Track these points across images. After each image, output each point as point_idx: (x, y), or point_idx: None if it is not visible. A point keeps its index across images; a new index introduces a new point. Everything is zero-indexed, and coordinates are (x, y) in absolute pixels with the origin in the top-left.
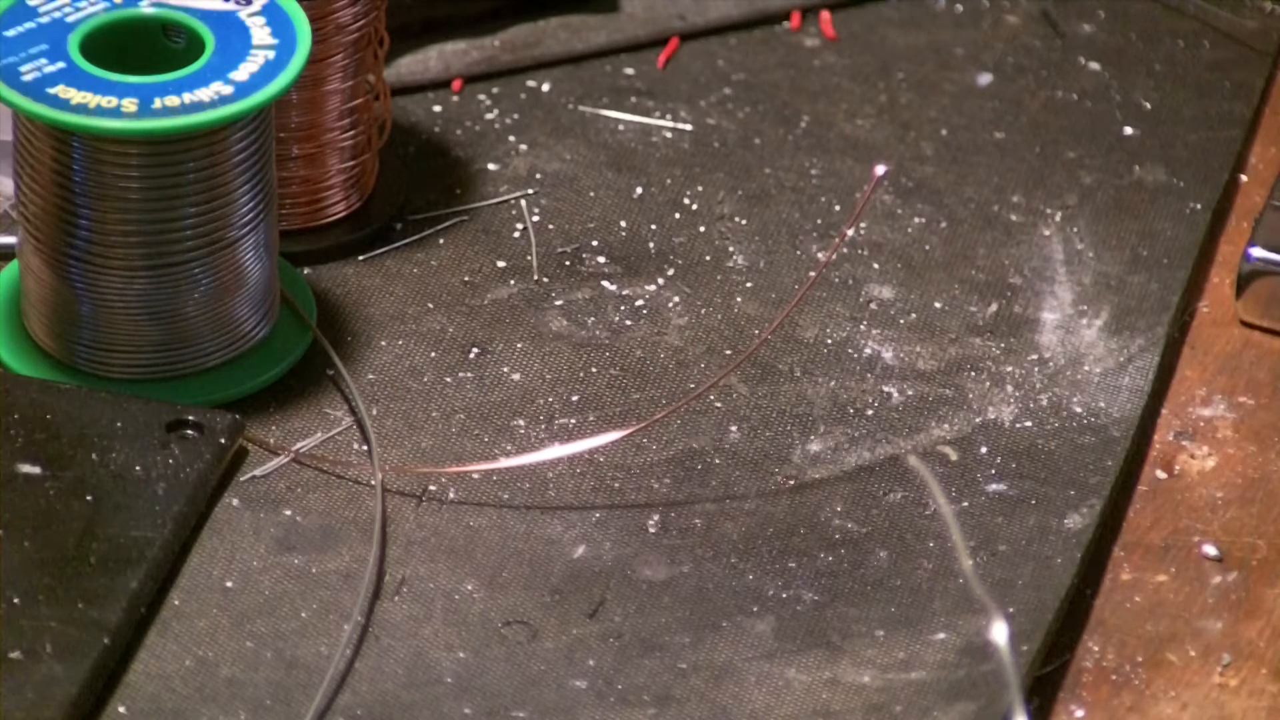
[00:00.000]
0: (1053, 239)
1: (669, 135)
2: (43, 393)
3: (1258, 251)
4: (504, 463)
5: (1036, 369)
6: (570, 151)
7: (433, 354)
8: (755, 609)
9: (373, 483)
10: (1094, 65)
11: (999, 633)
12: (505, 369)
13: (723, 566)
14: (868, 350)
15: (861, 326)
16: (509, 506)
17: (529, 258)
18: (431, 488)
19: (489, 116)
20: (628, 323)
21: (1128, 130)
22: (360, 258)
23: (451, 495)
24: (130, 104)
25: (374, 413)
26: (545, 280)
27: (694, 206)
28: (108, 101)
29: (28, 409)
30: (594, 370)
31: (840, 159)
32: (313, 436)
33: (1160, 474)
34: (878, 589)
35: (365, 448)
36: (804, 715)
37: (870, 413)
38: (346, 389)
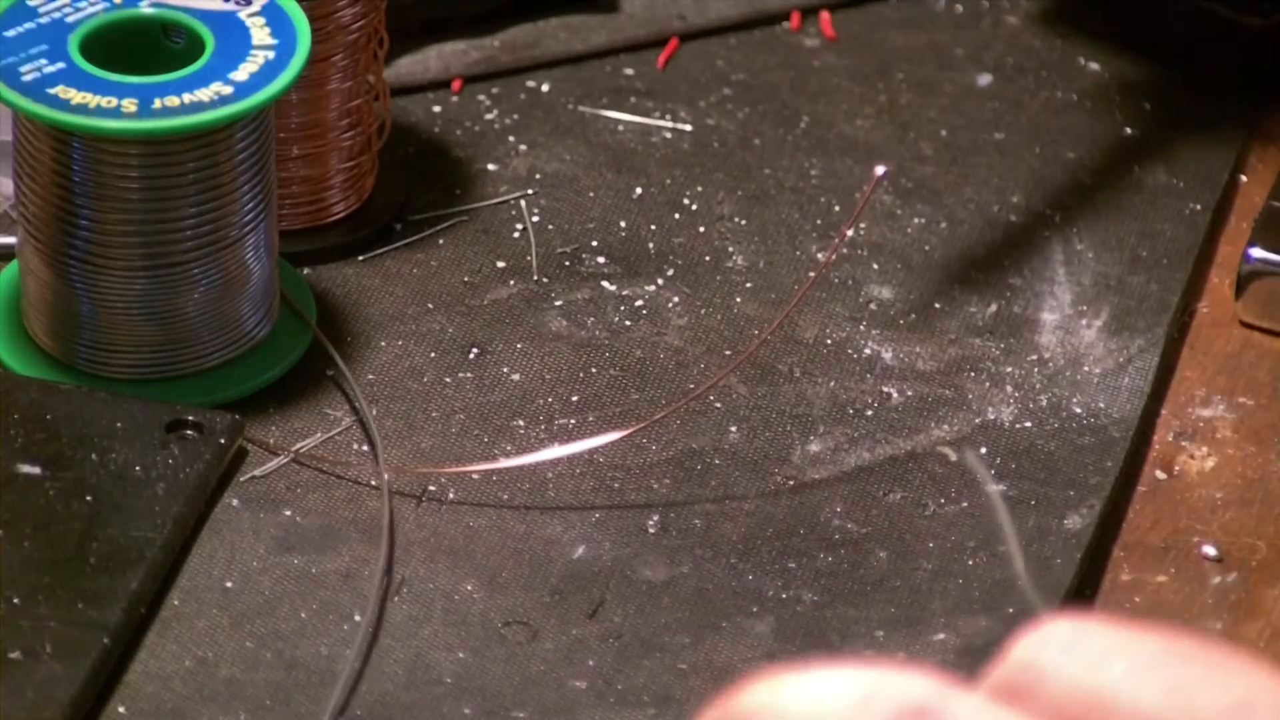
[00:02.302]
0: (1053, 239)
1: (669, 135)
2: (43, 393)
3: (1258, 252)
4: (504, 463)
5: (1036, 369)
6: (570, 152)
7: (432, 354)
8: (755, 609)
9: (374, 483)
10: (1094, 65)
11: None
12: (505, 369)
13: (722, 567)
14: (867, 350)
15: (861, 327)
16: (509, 507)
17: (529, 258)
18: (431, 488)
19: (489, 117)
20: (627, 323)
21: (1128, 130)
22: (360, 258)
23: (451, 495)
24: (130, 104)
25: (374, 413)
26: (545, 280)
27: (694, 207)
28: (108, 101)
29: (28, 409)
30: (594, 370)
31: (840, 159)
32: (313, 436)
33: (1160, 474)
34: (878, 589)
35: (365, 448)
36: None
37: (870, 413)
38: (349, 389)
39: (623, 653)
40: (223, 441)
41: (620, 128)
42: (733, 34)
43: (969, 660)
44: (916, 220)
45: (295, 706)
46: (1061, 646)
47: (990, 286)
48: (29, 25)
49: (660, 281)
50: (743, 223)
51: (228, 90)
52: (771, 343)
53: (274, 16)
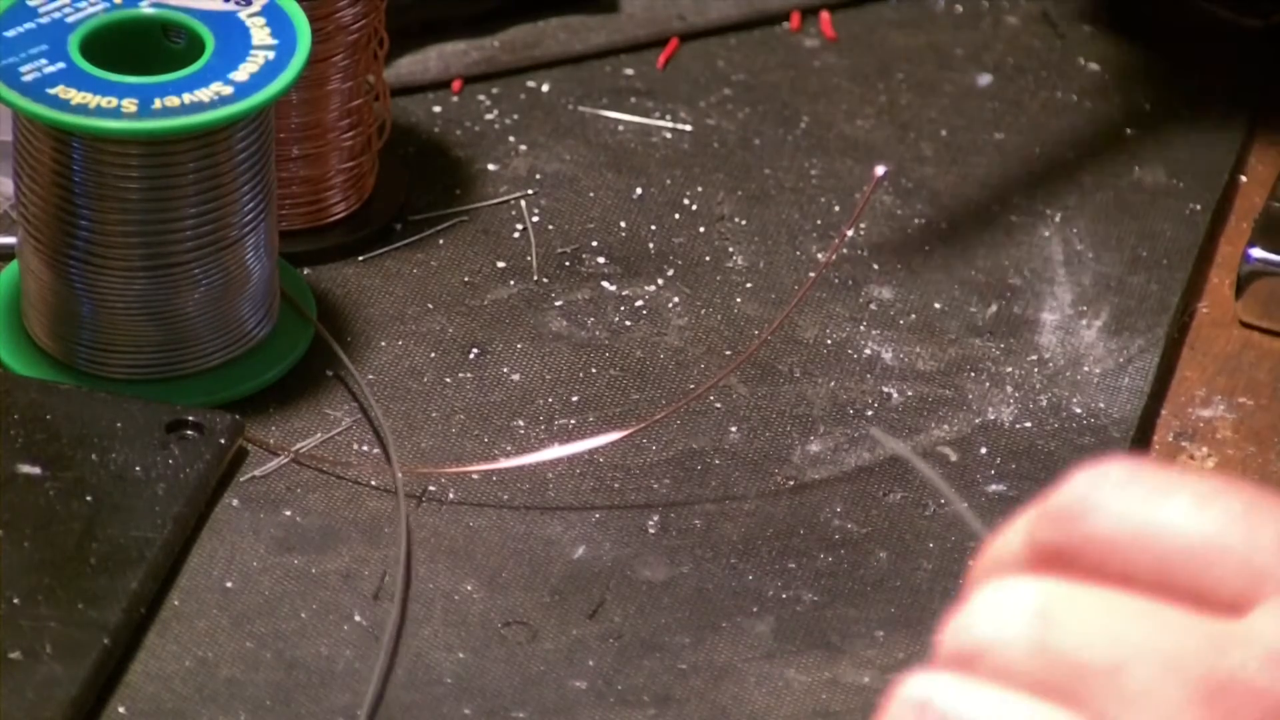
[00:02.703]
0: (1053, 239)
1: (669, 135)
2: (43, 393)
3: (1258, 252)
4: (504, 463)
5: (1036, 369)
6: (570, 152)
7: (432, 354)
8: (755, 609)
9: (374, 483)
10: (1094, 65)
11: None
12: (505, 369)
13: (722, 567)
14: (868, 350)
15: (861, 327)
16: (509, 507)
17: (529, 258)
18: (431, 488)
19: (489, 117)
20: (627, 323)
21: (1128, 130)
22: (360, 258)
23: (451, 496)
24: (130, 104)
25: (373, 413)
26: (545, 280)
27: (694, 207)
28: (108, 101)
29: (28, 409)
30: (594, 370)
31: (840, 159)
32: (313, 436)
33: None
34: (878, 589)
35: (365, 448)
36: (804, 715)
37: (870, 413)
38: (355, 387)
39: (623, 653)
40: (223, 441)
41: (620, 128)
42: (733, 34)
43: None
44: (916, 220)
45: (295, 706)
46: (1117, 482)
47: (990, 286)
48: (29, 25)
49: (660, 281)
50: (743, 223)
51: (228, 90)
52: (771, 343)
53: (274, 16)
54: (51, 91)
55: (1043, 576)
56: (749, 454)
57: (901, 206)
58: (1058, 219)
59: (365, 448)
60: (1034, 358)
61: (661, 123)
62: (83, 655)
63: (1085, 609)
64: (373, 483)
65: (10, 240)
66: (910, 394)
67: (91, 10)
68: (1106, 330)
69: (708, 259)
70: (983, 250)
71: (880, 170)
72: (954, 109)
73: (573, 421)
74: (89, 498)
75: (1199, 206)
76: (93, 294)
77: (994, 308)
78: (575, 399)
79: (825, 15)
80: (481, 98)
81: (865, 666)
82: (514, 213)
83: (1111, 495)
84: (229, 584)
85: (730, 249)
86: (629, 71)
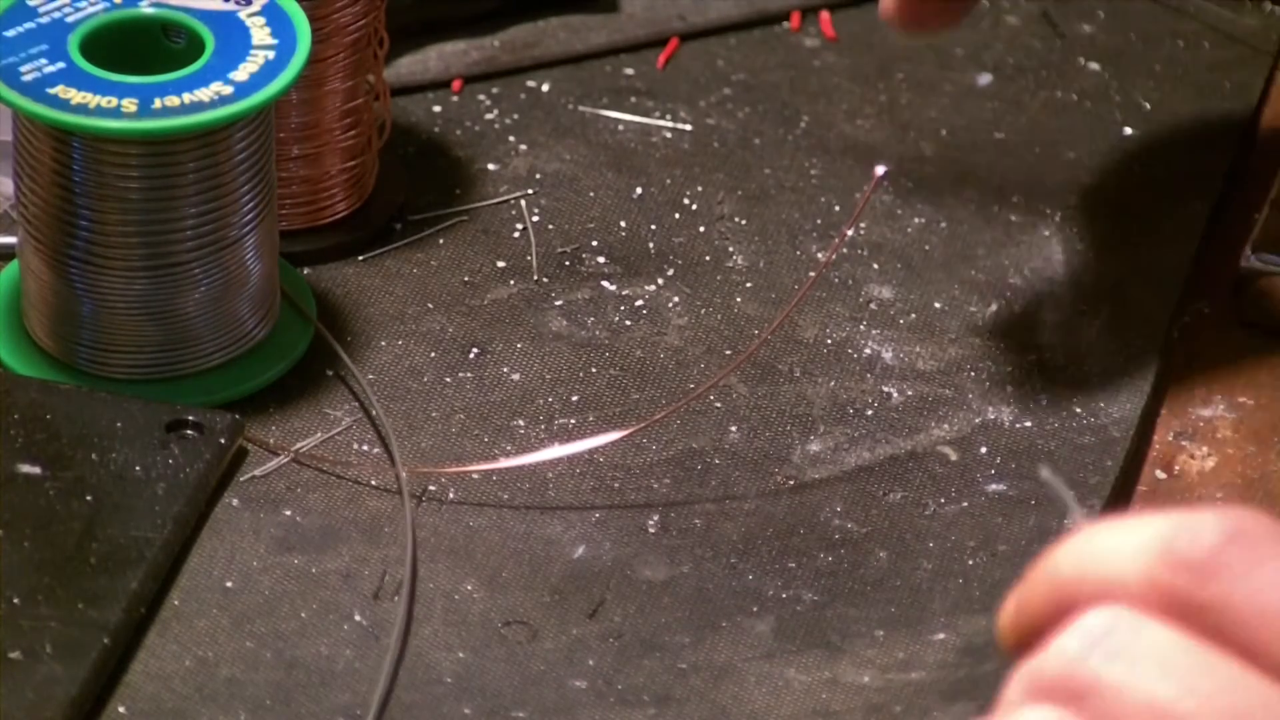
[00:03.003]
0: (1053, 239)
1: (669, 135)
2: (43, 393)
3: (1258, 252)
4: (504, 463)
5: (1036, 369)
6: (570, 151)
7: (432, 354)
8: (755, 609)
9: (374, 482)
10: (1094, 65)
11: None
12: (505, 369)
13: (722, 566)
14: (868, 350)
15: (861, 326)
16: (509, 506)
17: (529, 258)
18: (431, 488)
19: (489, 116)
20: (627, 323)
21: (1128, 130)
22: (360, 258)
23: (451, 495)
24: (130, 104)
25: (373, 413)
26: (545, 280)
27: (694, 206)
28: (108, 101)
29: (28, 409)
30: (594, 370)
31: (840, 159)
32: (313, 436)
33: (1160, 474)
34: (878, 589)
35: (365, 447)
36: (804, 715)
37: (870, 413)
38: (356, 387)
39: (623, 652)
40: (223, 441)
41: (620, 128)
42: (733, 34)
43: (969, 660)
44: (916, 220)
45: (295, 706)
46: (1258, 550)
47: (990, 286)
48: (29, 25)
49: (660, 281)
50: (743, 223)
51: (228, 90)
52: (771, 342)
53: (274, 16)
54: (51, 91)
55: (1168, 624)
56: (749, 454)
57: (901, 206)
58: (1058, 219)
59: (365, 447)
60: (1034, 358)
61: (661, 122)
62: (83, 655)
63: (1214, 681)
64: (373, 482)
65: (10, 240)
66: (910, 394)
67: (91, 10)
68: (1106, 330)
69: (708, 259)
70: (983, 250)
71: (880, 170)
72: (954, 109)
73: (573, 421)
74: (89, 498)
75: (1199, 206)
76: (93, 294)
77: (994, 307)
78: (575, 399)
79: (825, 15)
80: (481, 98)
81: (865, 666)
82: (514, 212)
83: (1253, 565)
84: (229, 584)
85: (730, 249)
86: (629, 71)
